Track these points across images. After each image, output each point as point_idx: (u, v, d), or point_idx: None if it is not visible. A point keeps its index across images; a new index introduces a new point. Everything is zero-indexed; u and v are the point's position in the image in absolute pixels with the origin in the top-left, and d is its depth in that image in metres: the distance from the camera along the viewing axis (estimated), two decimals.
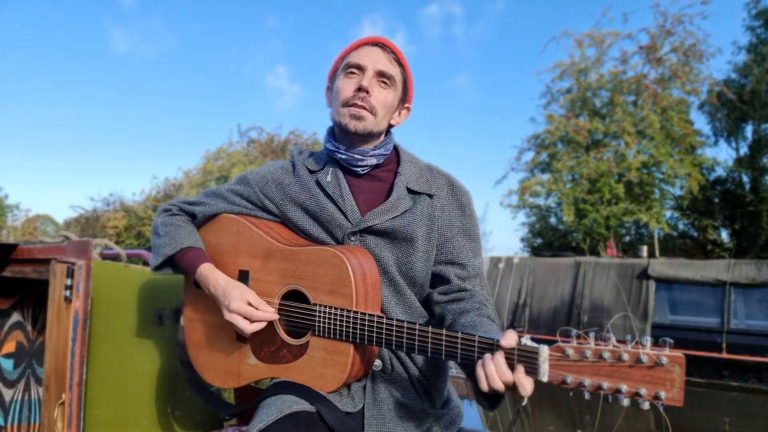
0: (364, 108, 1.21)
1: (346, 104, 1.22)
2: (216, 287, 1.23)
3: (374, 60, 1.23)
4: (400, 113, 1.33)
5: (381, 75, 1.23)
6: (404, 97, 1.32)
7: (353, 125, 1.21)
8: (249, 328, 1.17)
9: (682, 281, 8.80)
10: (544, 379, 0.88)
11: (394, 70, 1.25)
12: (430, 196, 1.26)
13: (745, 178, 14.63)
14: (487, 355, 0.93)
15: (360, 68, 1.23)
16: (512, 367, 0.91)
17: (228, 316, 1.18)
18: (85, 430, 1.56)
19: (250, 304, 1.18)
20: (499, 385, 0.91)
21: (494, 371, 0.91)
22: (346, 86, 1.23)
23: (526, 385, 0.90)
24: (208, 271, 1.26)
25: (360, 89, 1.21)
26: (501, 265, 10.64)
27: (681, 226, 16.28)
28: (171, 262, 1.32)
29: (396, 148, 1.34)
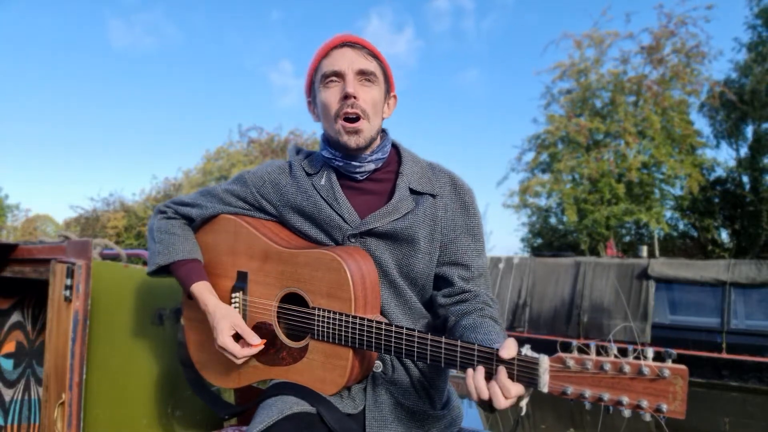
0: (357, 116, 1.18)
1: (338, 116, 1.18)
2: (206, 310, 1.25)
3: (349, 62, 1.19)
4: (388, 104, 1.31)
5: (362, 74, 1.19)
6: (388, 88, 1.29)
7: (353, 142, 1.19)
8: (237, 362, 1.22)
9: (682, 281, 8.79)
10: (545, 390, 0.87)
11: (372, 65, 1.21)
12: (433, 196, 1.24)
13: (745, 179, 14.61)
14: (481, 384, 0.92)
15: (338, 75, 1.19)
16: (512, 377, 0.90)
17: (217, 348, 1.22)
18: (85, 430, 1.56)
19: (236, 334, 1.22)
20: (506, 404, 0.91)
21: (498, 391, 0.91)
22: (331, 98, 1.19)
23: (511, 389, 0.90)
24: (199, 293, 1.27)
25: (347, 97, 1.17)
26: (501, 265, 10.63)
27: (681, 227, 16.26)
28: (166, 269, 1.33)
29: (396, 147, 1.32)
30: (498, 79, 32.32)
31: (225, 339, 1.20)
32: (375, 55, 1.23)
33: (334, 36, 1.23)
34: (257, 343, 1.20)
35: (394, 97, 1.32)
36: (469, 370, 0.94)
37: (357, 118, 1.18)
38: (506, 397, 0.90)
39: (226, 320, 1.22)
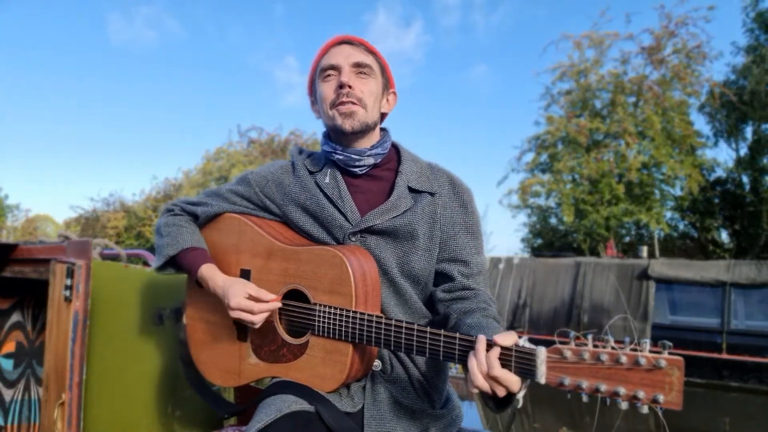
0: (352, 102, 1.21)
1: (334, 105, 1.22)
2: (216, 287, 1.24)
3: (346, 55, 1.23)
4: (388, 100, 1.33)
5: (357, 66, 1.24)
6: (387, 83, 1.32)
7: (348, 124, 1.21)
8: (255, 319, 1.17)
9: (682, 282, 8.80)
10: (542, 381, 0.88)
11: (368, 59, 1.25)
12: (432, 194, 1.25)
13: (745, 179, 14.63)
14: (471, 354, 0.93)
15: (334, 68, 1.24)
16: (509, 367, 0.90)
17: (231, 313, 1.19)
18: (85, 430, 1.56)
19: (250, 297, 1.18)
20: (480, 382, 0.91)
21: (475, 367, 0.91)
22: (327, 89, 1.24)
23: (512, 381, 0.90)
24: (207, 272, 1.27)
25: (341, 86, 1.21)
26: (501, 266, 10.63)
27: (681, 227, 16.28)
28: (173, 263, 1.33)
29: (396, 147, 1.34)
30: (506, 76, 31.38)
31: (239, 300, 1.17)
32: (372, 52, 1.27)
33: (334, 36, 1.28)
34: (272, 298, 1.19)
35: (394, 93, 1.35)
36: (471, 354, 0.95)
37: (351, 104, 1.21)
38: (482, 373, 0.90)
39: (237, 285, 1.20)
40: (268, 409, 1.09)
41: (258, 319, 1.17)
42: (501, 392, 0.92)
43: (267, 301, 1.18)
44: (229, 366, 1.31)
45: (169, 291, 1.83)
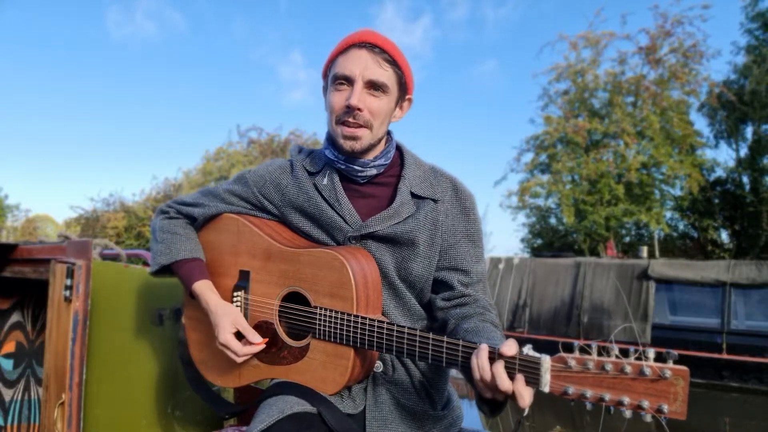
0: (358, 125, 1.16)
1: (339, 122, 1.17)
2: (207, 309, 1.26)
3: (362, 68, 1.14)
4: (401, 107, 1.27)
5: (371, 85, 1.16)
6: (404, 92, 1.24)
7: (349, 146, 1.17)
8: (238, 360, 1.22)
9: (682, 282, 8.79)
10: (546, 389, 0.87)
11: (385, 75, 1.16)
12: (435, 200, 1.23)
13: (745, 179, 14.62)
14: (485, 362, 0.92)
15: (348, 80, 1.16)
16: (512, 377, 0.90)
17: (218, 346, 1.23)
18: (85, 430, 1.56)
19: (238, 332, 1.22)
20: (497, 395, 0.90)
21: (489, 378, 0.90)
22: (336, 100, 1.17)
23: (525, 396, 0.88)
24: (200, 291, 1.27)
25: (350, 108, 1.14)
26: (501, 266, 10.63)
27: (681, 227, 16.27)
28: (168, 269, 1.33)
29: (399, 149, 1.31)
30: (514, 72, 30.31)
31: (227, 336, 1.20)
32: (393, 61, 1.18)
33: (358, 31, 1.18)
34: (258, 341, 1.21)
35: (409, 99, 1.28)
36: (473, 355, 0.94)
37: (357, 127, 1.17)
38: (502, 383, 0.89)
39: (228, 318, 1.22)
40: (270, 410, 1.09)
41: (240, 360, 1.22)
42: (501, 396, 0.92)
43: (253, 343, 1.21)
44: (229, 367, 1.31)
45: (169, 291, 1.83)
